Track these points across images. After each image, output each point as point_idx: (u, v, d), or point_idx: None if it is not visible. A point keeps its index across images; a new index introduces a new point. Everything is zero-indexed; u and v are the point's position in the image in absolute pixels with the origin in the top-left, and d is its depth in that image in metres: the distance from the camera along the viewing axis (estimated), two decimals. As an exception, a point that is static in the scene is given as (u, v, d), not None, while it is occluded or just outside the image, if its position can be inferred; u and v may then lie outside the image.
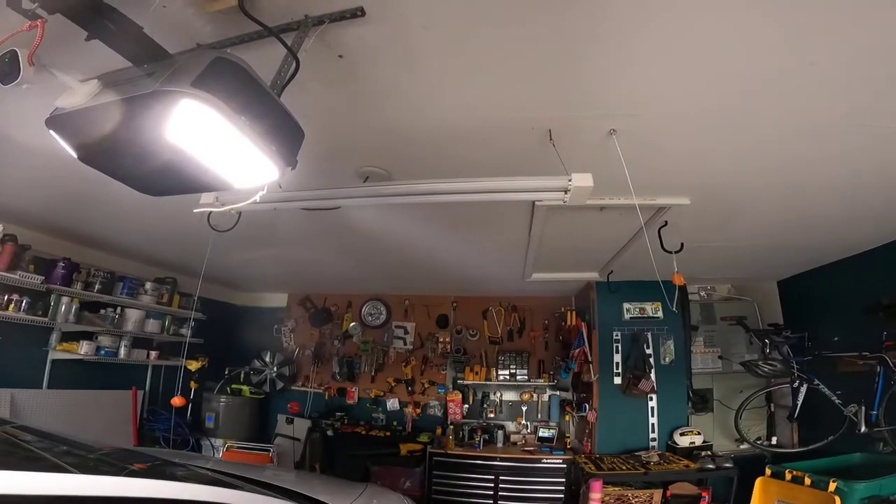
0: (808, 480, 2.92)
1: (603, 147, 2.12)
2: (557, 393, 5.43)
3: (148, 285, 4.74)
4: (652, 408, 4.47)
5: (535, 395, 5.45)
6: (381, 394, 5.73)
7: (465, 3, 1.42)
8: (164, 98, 1.12)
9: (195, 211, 1.94)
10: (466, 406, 5.50)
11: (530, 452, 4.85)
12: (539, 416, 5.43)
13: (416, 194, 1.99)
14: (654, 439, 4.41)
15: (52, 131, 1.31)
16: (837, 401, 3.53)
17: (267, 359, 5.87)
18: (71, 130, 1.29)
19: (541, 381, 5.37)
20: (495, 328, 5.70)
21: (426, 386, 5.66)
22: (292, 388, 5.95)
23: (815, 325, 3.96)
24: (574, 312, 5.06)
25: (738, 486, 3.75)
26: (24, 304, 3.68)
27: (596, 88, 1.79)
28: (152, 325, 4.84)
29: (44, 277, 3.72)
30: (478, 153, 2.26)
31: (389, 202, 2.04)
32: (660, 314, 4.63)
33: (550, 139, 2.06)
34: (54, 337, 4.14)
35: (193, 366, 5.28)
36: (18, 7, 1.13)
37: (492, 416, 5.47)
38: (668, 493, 3.85)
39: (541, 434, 5.21)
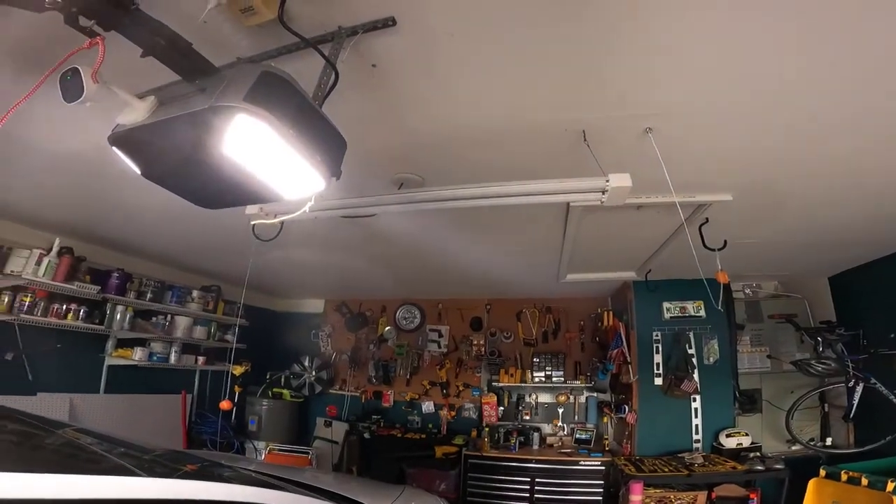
0: (865, 481, 2.78)
1: (638, 146, 2.09)
2: (595, 394, 5.34)
3: (195, 293, 4.95)
4: (695, 409, 4.34)
5: (571, 397, 5.37)
6: (416, 397, 5.78)
7: (491, 8, 1.44)
8: (219, 113, 1.17)
9: (252, 223, 2.02)
10: (501, 408, 5.47)
11: (567, 454, 4.79)
12: (576, 417, 5.35)
13: (453, 199, 2.02)
14: (697, 441, 4.28)
15: (114, 148, 1.36)
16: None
17: (306, 363, 6.03)
18: (133, 147, 1.35)
19: (577, 383, 5.29)
20: (530, 330, 5.66)
21: (461, 388, 5.67)
22: (330, 391, 6.08)
23: (870, 322, 3.77)
24: (611, 313, 4.97)
25: (790, 487, 3.61)
26: (81, 313, 3.91)
27: (630, 88, 1.77)
28: (199, 332, 5.06)
29: (99, 287, 3.94)
30: (509, 156, 2.27)
31: (426, 207, 2.07)
32: (702, 313, 4.49)
33: (585, 140, 2.06)
34: (110, 344, 4.38)
35: (238, 370, 5.46)
36: (75, 24, 1.14)
37: (527, 418, 5.43)
38: (714, 495, 3.73)
39: (578, 436, 5.14)
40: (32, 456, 1.29)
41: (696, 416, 4.33)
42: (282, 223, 2.66)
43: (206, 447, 5.12)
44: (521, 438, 5.07)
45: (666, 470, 3.80)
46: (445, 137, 2.14)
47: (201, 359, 5.17)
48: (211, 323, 5.22)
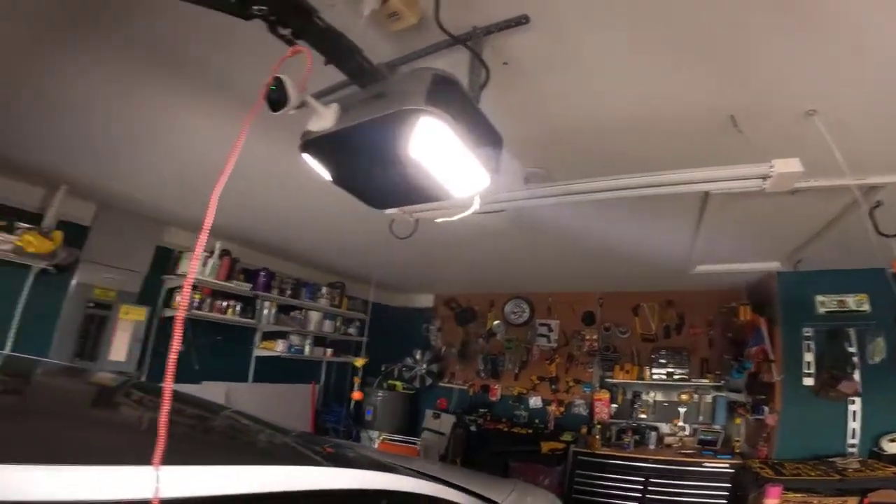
0: None
1: (796, 129, 1.93)
2: (724, 394, 4.90)
3: (324, 289, 5.42)
4: (853, 412, 3.81)
5: (695, 396, 4.99)
6: (524, 391, 5.74)
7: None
8: (405, 116, 1.24)
9: (437, 220, 2.16)
10: (615, 406, 5.25)
11: (689, 455, 4.50)
12: (701, 417, 4.96)
13: (603, 190, 1.98)
14: (853, 445, 3.77)
15: (305, 155, 1.47)
16: None
17: (417, 356, 6.28)
18: (322, 153, 1.45)
19: (704, 382, 4.89)
20: (648, 325, 5.34)
21: (571, 384, 5.53)
22: (439, 384, 6.26)
23: None
24: (747, 307, 4.51)
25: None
26: (237, 308, 4.47)
27: (793, 69, 1.63)
28: (328, 326, 5.52)
29: (251, 285, 4.47)
30: (644, 146, 2.19)
31: (576, 199, 2.04)
32: (866, 307, 3.90)
33: (735, 125, 1.92)
34: (258, 336, 4.95)
35: (359, 362, 5.85)
36: (276, 32, 1.19)
37: (643, 416, 5.14)
38: (866, 502, 3.26)
39: (702, 437, 4.77)
40: (234, 446, 1.42)
41: (854, 420, 3.80)
42: (416, 221, 2.81)
43: (329, 434, 5.54)
44: (636, 437, 4.85)
45: (812, 474, 3.42)
46: (579, 130, 2.12)
47: (329, 351, 5.62)
48: (337, 317, 5.66)
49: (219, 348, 4.60)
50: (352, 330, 5.86)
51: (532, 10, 1.51)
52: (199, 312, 4.26)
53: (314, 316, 5.32)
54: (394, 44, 1.71)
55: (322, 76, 1.32)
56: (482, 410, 5.78)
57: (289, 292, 4.98)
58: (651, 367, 5.10)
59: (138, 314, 3.96)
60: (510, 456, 4.96)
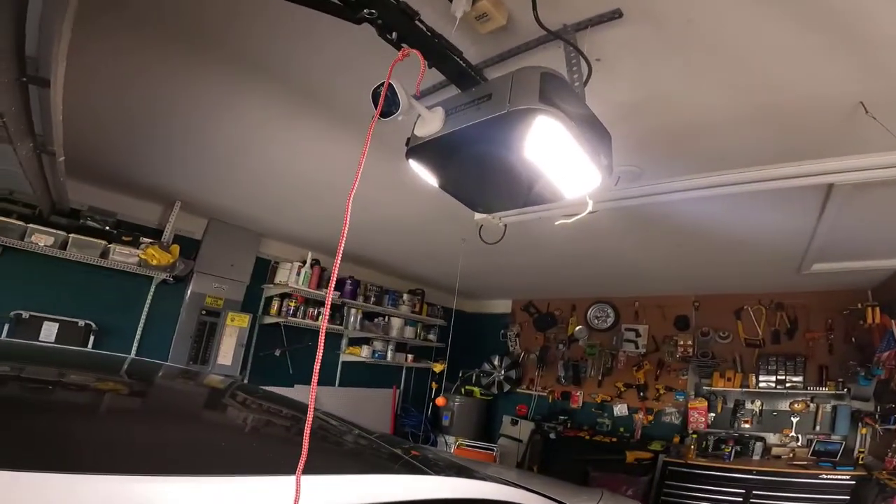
0: None
1: None
2: (847, 402, 4.36)
3: (405, 296, 5.55)
4: None
5: (811, 405, 4.50)
6: (609, 398, 5.49)
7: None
8: (519, 116, 1.21)
9: (556, 223, 2.07)
10: (713, 414, 4.88)
11: (802, 467, 4.08)
12: (817, 427, 4.46)
13: (715, 186, 1.84)
14: None
15: (411, 161, 1.47)
16: None
17: (495, 362, 6.21)
18: (428, 158, 1.45)
19: (824, 390, 4.39)
20: (754, 329, 4.88)
21: (661, 392, 5.20)
22: (518, 390, 6.15)
23: None
24: (876, 308, 3.98)
25: None
26: (328, 314, 4.68)
27: None
28: (408, 332, 5.64)
29: (339, 293, 4.68)
30: (758, 139, 2.03)
31: (686, 196, 1.92)
32: None
33: (866, 112, 1.74)
34: (344, 342, 5.15)
35: (438, 368, 5.92)
36: (385, 36, 1.20)
37: (747, 425, 4.73)
38: None
39: (817, 448, 4.29)
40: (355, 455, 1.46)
41: None
42: (505, 226, 2.79)
43: (408, 439, 5.58)
44: (738, 447, 4.48)
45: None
46: (678, 126, 2.02)
47: (409, 356, 5.73)
48: (417, 324, 5.77)
49: (309, 353, 4.85)
50: (431, 336, 5.94)
51: (625, 4, 1.45)
52: (294, 319, 4.52)
53: (396, 322, 5.46)
54: (481, 46, 1.71)
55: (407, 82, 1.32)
56: (562, 417, 5.61)
57: (372, 299, 5.16)
58: (757, 375, 4.68)
59: (242, 321, 4.28)
60: (591, 464, 4.78)
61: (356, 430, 1.68)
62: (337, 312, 4.83)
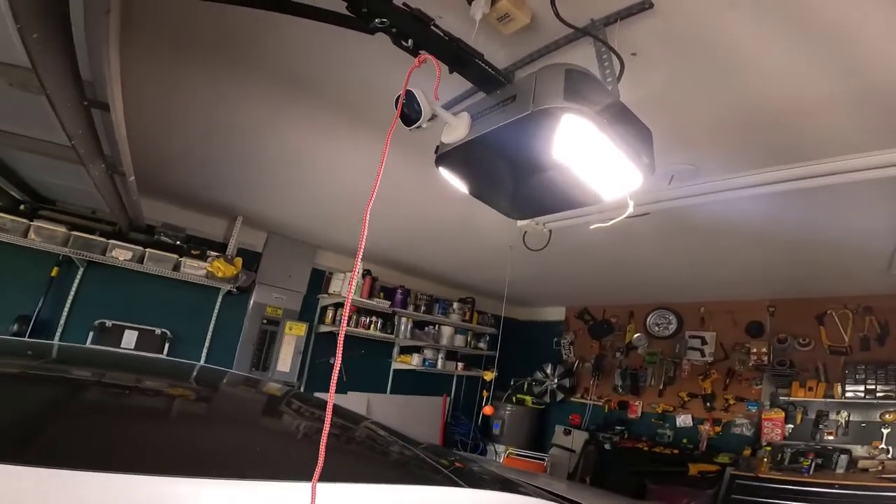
0: None
1: None
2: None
3: (455, 305, 5.56)
4: None
5: None
6: (671, 409, 5.19)
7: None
8: (544, 116, 1.17)
9: (592, 227, 2.00)
10: (790, 426, 4.49)
11: (892, 480, 3.65)
12: None
13: (784, 181, 1.69)
14: None
15: (441, 168, 1.46)
16: None
17: (548, 370, 6.06)
18: (458, 164, 1.43)
19: None
20: (839, 335, 4.41)
21: (731, 402, 4.85)
22: (571, 399, 5.95)
23: None
24: None
25: None
26: (378, 324, 4.79)
27: None
28: (459, 340, 5.63)
29: (389, 302, 4.78)
30: (822, 129, 1.84)
31: (751, 193, 1.78)
32: None
33: None
34: (395, 350, 5.23)
35: (488, 376, 5.83)
36: (400, 44, 1.20)
37: (831, 437, 4.30)
38: None
39: None
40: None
41: None
42: (550, 232, 2.72)
43: (457, 447, 5.60)
44: (819, 461, 4.08)
45: None
46: (733, 118, 1.87)
47: (460, 365, 5.70)
48: (468, 332, 5.75)
49: (362, 361, 4.98)
50: (482, 344, 5.89)
51: None
52: (348, 328, 4.65)
53: (446, 331, 5.47)
54: (509, 48, 1.67)
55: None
56: (619, 428, 5.37)
57: (423, 308, 5.21)
58: (844, 384, 4.25)
59: (299, 329, 4.47)
60: (649, 477, 4.56)
61: (401, 441, 1.69)
62: (388, 321, 4.92)
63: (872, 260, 3.30)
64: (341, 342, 0.95)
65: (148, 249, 3.67)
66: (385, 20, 1.13)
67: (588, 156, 1.25)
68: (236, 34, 1.80)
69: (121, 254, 3.53)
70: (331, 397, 0.87)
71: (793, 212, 2.65)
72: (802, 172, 1.74)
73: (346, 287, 4.48)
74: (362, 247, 0.99)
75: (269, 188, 3.44)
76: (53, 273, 3.56)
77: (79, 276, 3.67)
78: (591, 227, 1.89)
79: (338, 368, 0.89)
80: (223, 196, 3.70)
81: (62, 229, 3.36)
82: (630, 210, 1.50)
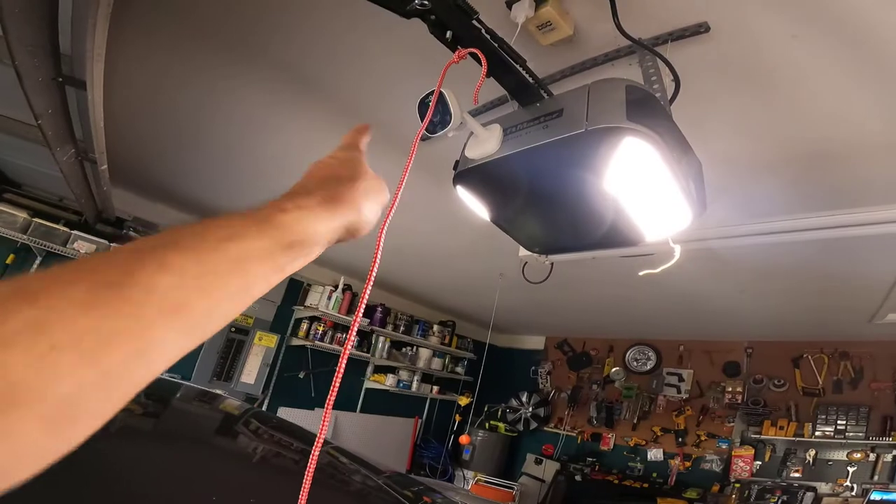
0: None
1: None
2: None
3: (435, 328, 5.40)
4: None
5: (871, 455, 4.19)
6: (643, 443, 5.20)
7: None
8: (600, 138, 1.00)
9: (641, 273, 1.78)
10: (759, 463, 4.58)
11: None
12: (875, 477, 4.14)
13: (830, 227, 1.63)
14: None
15: (459, 187, 1.23)
16: None
17: (523, 398, 5.95)
18: (481, 185, 1.21)
19: (888, 440, 4.11)
20: (813, 378, 4.52)
21: (702, 438, 4.90)
22: (545, 428, 5.86)
23: None
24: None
25: None
26: (354, 341, 4.55)
27: None
28: (436, 363, 5.45)
29: (368, 320, 4.56)
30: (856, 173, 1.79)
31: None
32: None
33: None
34: (369, 369, 5.00)
35: (463, 401, 5.68)
36: (439, 34, 1.05)
37: (797, 475, 4.41)
38: None
39: (873, 497, 3.98)
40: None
41: None
42: (552, 265, 2.60)
43: (425, 471, 5.41)
44: (785, 497, 4.21)
45: None
46: (781, 158, 1.80)
47: (435, 388, 5.52)
48: (446, 355, 5.58)
49: (332, 378, 4.71)
50: (459, 368, 5.73)
51: (712, 17, 1.30)
52: (321, 343, 4.41)
53: (424, 353, 5.29)
54: (542, 60, 1.55)
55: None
56: (590, 460, 5.32)
57: (402, 328, 5.02)
58: (814, 424, 4.40)
59: (269, 341, 4.20)
60: None
61: (363, 470, 1.54)
62: (364, 339, 4.70)
63: (856, 310, 3.37)
64: (341, 370, 0.79)
65: (113, 244, 3.36)
66: (426, 3, 0.97)
67: (642, 187, 1.10)
68: (238, 24, 1.66)
69: (83, 246, 3.21)
70: (319, 440, 0.70)
71: (786, 259, 2.65)
72: (828, 222, 1.68)
73: (324, 301, 4.26)
74: (375, 268, 0.82)
75: (255, 189, 3.21)
76: (9, 261, 3.26)
77: (35, 267, 3.34)
78: (641, 273, 1.71)
79: (332, 398, 0.73)
80: (201, 192, 3.45)
81: (23, 215, 3.08)
82: (677, 255, 1.35)
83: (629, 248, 1.80)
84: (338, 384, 0.71)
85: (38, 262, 3.34)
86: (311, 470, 0.63)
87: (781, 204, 1.91)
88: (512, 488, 4.92)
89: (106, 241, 3.35)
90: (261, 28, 1.67)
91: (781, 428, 4.47)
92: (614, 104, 1.03)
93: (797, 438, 4.40)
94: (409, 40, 1.53)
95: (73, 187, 2.47)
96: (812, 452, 4.40)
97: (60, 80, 1.47)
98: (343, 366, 0.74)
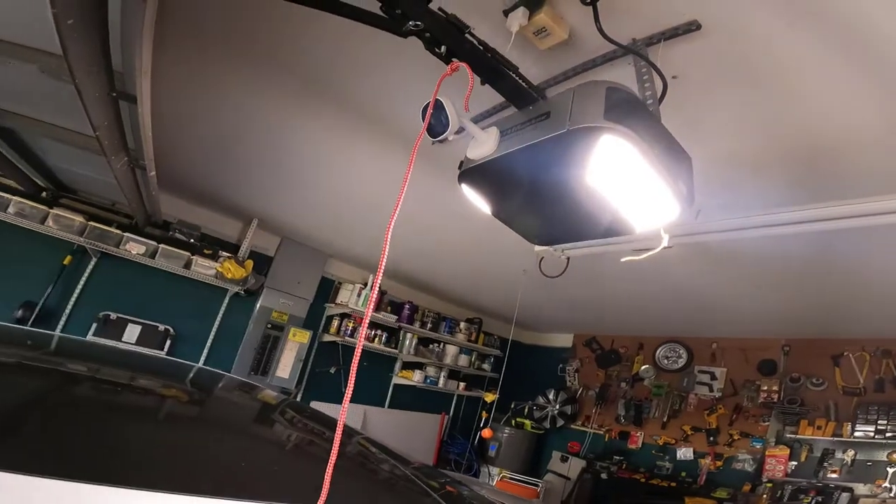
0: None
1: None
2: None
3: (462, 325, 5.50)
4: None
5: None
6: (673, 441, 5.08)
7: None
8: (581, 135, 1.10)
9: (623, 260, 1.90)
10: (794, 463, 4.39)
11: None
12: None
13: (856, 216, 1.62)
14: None
15: (464, 185, 1.38)
16: None
17: (550, 396, 5.94)
18: (482, 183, 1.35)
19: None
20: (854, 377, 4.32)
21: (735, 437, 4.76)
22: (571, 426, 5.83)
23: None
24: None
25: None
26: (383, 337, 4.73)
27: None
28: (463, 360, 5.55)
29: (396, 317, 4.72)
30: (853, 167, 1.79)
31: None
32: None
33: None
34: (398, 366, 5.16)
35: (490, 398, 5.73)
36: (433, 50, 1.16)
37: (834, 475, 4.21)
38: None
39: None
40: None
41: None
42: (568, 259, 2.66)
43: (451, 466, 5.50)
44: (820, 497, 4.03)
45: None
46: (772, 151, 1.81)
47: (462, 385, 5.61)
48: (472, 352, 5.67)
49: (362, 374, 4.89)
50: (486, 365, 5.80)
51: (703, 16, 1.34)
52: (351, 340, 4.60)
53: (451, 350, 5.40)
54: (543, 64, 1.63)
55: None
56: (617, 458, 5.26)
57: (429, 325, 5.16)
58: (854, 424, 4.19)
59: (303, 337, 4.42)
60: None
61: (391, 460, 1.63)
62: (393, 336, 4.86)
63: None
64: (356, 364, 0.91)
65: (161, 245, 3.67)
66: (419, 23, 1.09)
67: (625, 182, 1.19)
68: (269, 37, 1.81)
69: (134, 247, 3.52)
70: (337, 438, 0.82)
71: (820, 250, 2.58)
72: (843, 212, 1.66)
73: (353, 298, 4.45)
74: (383, 262, 0.94)
75: (287, 192, 3.43)
76: (66, 261, 3.56)
77: (90, 267, 3.67)
78: (623, 259, 1.81)
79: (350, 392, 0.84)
80: (240, 197, 3.71)
81: (80, 219, 3.38)
82: (665, 243, 1.43)
83: (626, 238, 1.87)
84: (354, 372, 0.83)
85: (93, 262, 3.65)
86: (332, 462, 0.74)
87: (788, 196, 1.91)
88: (537, 485, 4.92)
89: (154, 243, 3.65)
90: (287, 44, 1.82)
91: (819, 427, 4.30)
92: (594, 105, 1.13)
93: (835, 438, 4.22)
94: (415, 50, 1.65)
95: (126, 192, 2.73)
96: (851, 453, 4.21)
97: (114, 94, 1.65)
98: (359, 354, 0.86)
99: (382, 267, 0.96)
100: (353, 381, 0.86)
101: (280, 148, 2.69)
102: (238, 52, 1.92)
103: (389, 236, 0.95)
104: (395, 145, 2.37)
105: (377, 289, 1.07)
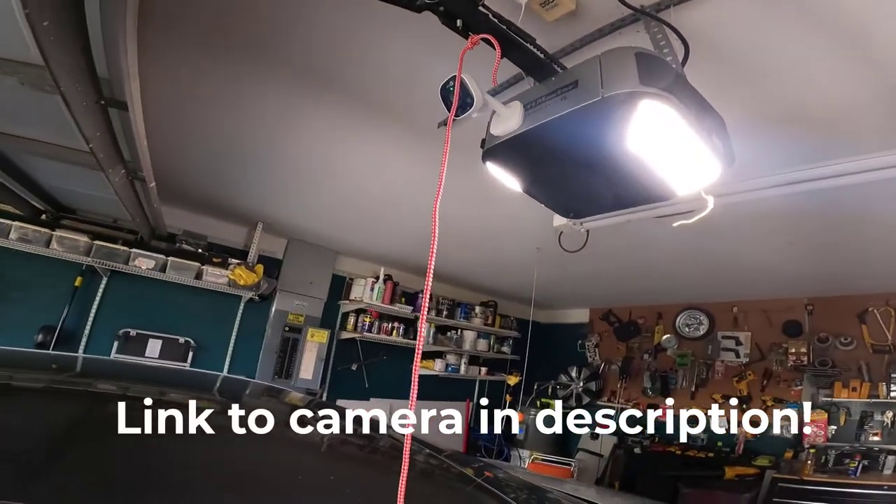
0: None
1: None
2: None
3: (477, 309, 5.45)
4: None
5: None
6: (704, 411, 4.98)
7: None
8: (618, 102, 1.05)
9: (675, 224, 1.80)
10: (833, 427, 4.33)
11: None
12: None
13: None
14: None
15: (489, 163, 1.34)
16: None
17: (573, 374, 5.90)
18: (509, 159, 1.31)
19: None
20: (882, 334, 4.23)
21: (769, 403, 4.70)
22: (598, 402, 5.79)
23: None
24: None
25: None
26: (400, 329, 4.69)
27: None
28: (481, 345, 5.52)
29: (412, 308, 4.67)
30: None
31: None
32: None
33: None
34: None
35: (512, 380, 5.71)
36: (449, 24, 1.10)
37: (876, 438, 4.15)
38: None
39: None
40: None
41: None
42: (588, 232, 2.57)
43: (480, 452, 5.46)
44: (866, 462, 3.97)
45: None
46: (795, 109, 1.74)
47: (483, 369, 5.58)
48: (490, 336, 5.63)
49: (384, 368, 4.88)
50: (505, 348, 5.77)
51: None
52: (369, 335, 4.57)
53: (469, 335, 5.37)
54: (550, 36, 1.54)
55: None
56: (649, 433, 5.17)
57: (445, 313, 5.12)
58: (888, 384, 4.11)
59: (321, 336, 4.39)
60: (682, 481, 4.38)
61: (426, 450, 1.61)
62: (410, 327, 4.82)
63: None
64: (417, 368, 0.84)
65: (170, 258, 3.61)
66: None
67: (665, 145, 1.13)
68: (260, 29, 1.71)
69: (143, 262, 3.47)
70: (407, 441, 0.76)
71: (833, 206, 2.49)
72: (843, 169, 1.59)
73: (367, 293, 4.40)
74: (433, 260, 0.88)
75: (290, 193, 3.35)
76: (77, 283, 3.53)
77: (102, 286, 3.63)
78: (675, 224, 1.73)
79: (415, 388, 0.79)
80: (243, 202, 3.63)
81: (84, 239, 3.33)
82: (711, 205, 1.36)
83: (662, 205, 1.79)
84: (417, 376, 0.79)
85: (104, 281, 3.61)
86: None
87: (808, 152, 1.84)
88: (570, 465, 4.89)
89: (163, 256, 3.59)
90: (280, 35, 1.73)
91: (854, 389, 4.22)
92: (627, 71, 1.08)
93: (872, 400, 4.15)
94: (416, 30, 1.56)
95: (128, 207, 2.66)
96: (889, 414, 4.13)
97: (103, 102, 1.56)
98: (419, 362, 0.82)
99: (432, 264, 0.90)
100: (416, 386, 0.83)
101: (280, 145, 2.59)
102: (233, 49, 1.82)
103: (437, 227, 0.88)
104: (400, 132, 2.28)
105: (429, 287, 0.99)
